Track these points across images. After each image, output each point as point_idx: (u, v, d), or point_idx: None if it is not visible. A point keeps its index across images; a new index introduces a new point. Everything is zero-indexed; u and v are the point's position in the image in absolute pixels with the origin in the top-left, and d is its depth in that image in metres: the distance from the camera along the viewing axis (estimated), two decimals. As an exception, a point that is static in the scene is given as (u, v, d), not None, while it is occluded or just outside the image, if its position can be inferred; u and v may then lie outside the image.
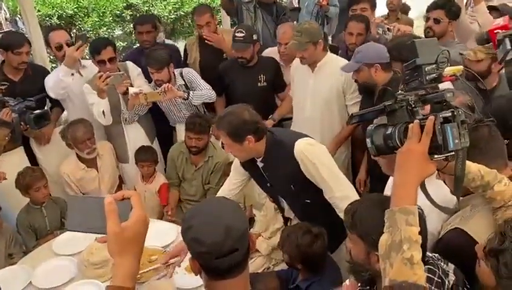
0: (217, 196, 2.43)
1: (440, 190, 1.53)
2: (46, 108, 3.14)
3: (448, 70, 1.16)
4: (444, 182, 1.44)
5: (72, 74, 2.99)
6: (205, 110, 3.41)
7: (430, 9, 3.04)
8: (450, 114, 1.06)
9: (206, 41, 3.43)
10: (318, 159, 2.04)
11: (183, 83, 3.22)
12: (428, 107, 1.15)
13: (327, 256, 2.09)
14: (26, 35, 3.41)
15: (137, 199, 0.98)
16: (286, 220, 2.52)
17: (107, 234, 0.95)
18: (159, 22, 3.96)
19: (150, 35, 3.57)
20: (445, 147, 1.05)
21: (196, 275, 1.16)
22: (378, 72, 2.56)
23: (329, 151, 2.94)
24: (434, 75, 1.13)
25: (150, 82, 3.28)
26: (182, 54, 3.81)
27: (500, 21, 2.09)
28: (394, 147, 1.17)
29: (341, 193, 2.01)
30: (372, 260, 1.24)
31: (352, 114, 1.26)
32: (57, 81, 2.99)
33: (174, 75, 3.18)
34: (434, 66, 1.13)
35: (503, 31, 1.92)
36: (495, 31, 2.02)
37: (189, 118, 3.05)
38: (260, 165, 2.19)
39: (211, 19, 3.45)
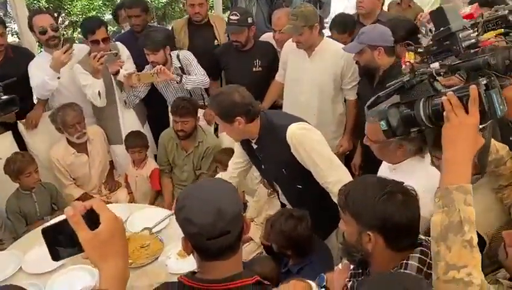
0: (214, 177, 2.45)
1: (431, 176, 1.53)
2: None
3: (488, 34, 1.09)
4: (438, 168, 1.42)
5: (59, 78, 2.89)
6: (203, 94, 3.36)
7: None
8: (487, 80, 1.01)
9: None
10: (310, 144, 2.02)
11: (180, 65, 3.18)
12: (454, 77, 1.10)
13: (317, 240, 2.10)
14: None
15: (100, 205, 0.94)
16: (283, 206, 2.52)
17: None
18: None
19: (138, 19, 3.48)
20: (493, 114, 1.00)
21: (188, 254, 1.16)
22: (381, 55, 2.52)
23: (348, 147, 3.04)
24: (472, 40, 1.06)
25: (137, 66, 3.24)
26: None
27: (467, 9, 2.02)
28: (418, 125, 1.11)
29: (334, 177, 1.99)
30: (364, 240, 1.24)
31: (378, 95, 1.19)
32: (42, 83, 2.89)
33: (171, 57, 3.14)
34: (470, 31, 1.06)
35: (468, 20, 1.86)
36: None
37: (174, 102, 3.02)
38: (254, 146, 2.19)
39: (204, 1, 3.38)
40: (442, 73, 1.09)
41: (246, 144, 2.26)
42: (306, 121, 2.15)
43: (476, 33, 1.12)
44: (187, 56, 3.20)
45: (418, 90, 1.11)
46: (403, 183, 1.28)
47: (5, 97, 2.45)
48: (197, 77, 3.13)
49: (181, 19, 3.81)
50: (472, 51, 1.08)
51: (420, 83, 1.10)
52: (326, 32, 3.35)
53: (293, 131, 2.01)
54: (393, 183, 1.25)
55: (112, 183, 3.30)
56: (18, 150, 2.96)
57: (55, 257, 0.94)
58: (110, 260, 0.92)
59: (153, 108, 3.46)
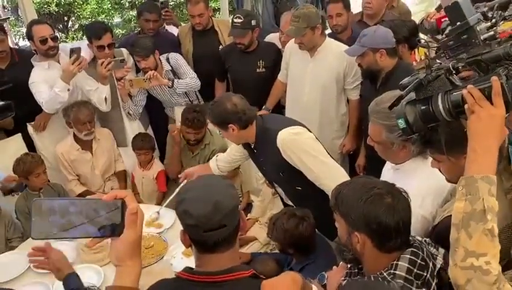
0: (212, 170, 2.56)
1: (433, 177, 1.52)
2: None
3: (506, 24, 1.08)
4: (439, 170, 1.42)
5: (68, 90, 2.91)
6: (198, 97, 3.41)
7: None
8: (506, 71, 1.02)
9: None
10: (300, 148, 2.04)
11: (170, 68, 3.23)
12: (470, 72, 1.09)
13: (320, 239, 2.11)
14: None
15: (133, 199, 0.98)
16: (285, 206, 2.53)
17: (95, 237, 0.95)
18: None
19: (156, 24, 3.53)
20: None
21: (186, 247, 1.21)
22: (383, 57, 2.51)
23: (351, 147, 3.06)
24: (491, 33, 1.06)
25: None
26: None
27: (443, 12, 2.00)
28: (437, 120, 1.11)
29: (329, 179, 2.00)
30: (353, 240, 1.25)
31: (400, 96, 1.19)
32: (54, 97, 2.90)
33: (161, 61, 3.19)
34: (488, 24, 1.06)
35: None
36: (442, 20, 1.93)
37: (186, 113, 3.00)
38: (254, 150, 2.24)
39: (204, 11, 3.40)
40: (460, 67, 1.08)
41: (248, 147, 2.31)
42: (302, 124, 2.18)
43: (494, 25, 1.11)
44: (176, 58, 3.25)
45: (435, 86, 1.11)
46: (394, 184, 1.28)
47: (1, 103, 2.50)
48: (188, 80, 3.18)
49: (185, 25, 3.81)
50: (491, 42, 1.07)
51: (436, 79, 1.10)
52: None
53: (282, 136, 2.05)
54: (382, 185, 1.26)
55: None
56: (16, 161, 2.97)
57: (37, 233, 0.91)
58: (137, 260, 0.98)
59: (156, 113, 3.52)
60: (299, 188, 2.19)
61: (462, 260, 1.02)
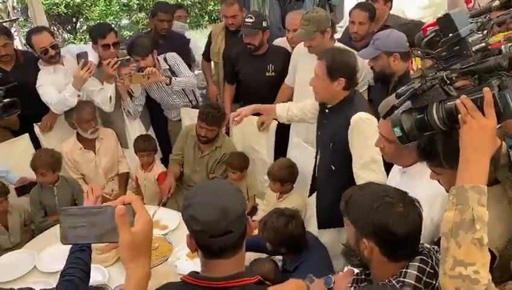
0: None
1: (434, 188, 1.50)
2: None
3: (497, 36, 1.10)
4: (439, 181, 1.41)
5: (79, 96, 2.96)
6: (195, 94, 3.45)
7: None
8: (499, 81, 1.03)
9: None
10: (368, 133, 2.06)
11: (168, 67, 3.27)
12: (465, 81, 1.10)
13: (311, 236, 2.14)
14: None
15: (139, 204, 0.99)
16: (312, 192, 2.55)
17: (108, 242, 0.98)
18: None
19: (169, 23, 3.60)
20: (508, 114, 1.02)
21: (192, 252, 1.20)
22: (396, 61, 2.49)
23: None
24: (483, 44, 1.07)
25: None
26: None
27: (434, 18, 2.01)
28: (432, 129, 1.12)
29: (366, 175, 2.02)
30: (361, 247, 1.24)
31: (394, 105, 1.20)
32: (63, 101, 2.96)
33: (158, 60, 3.23)
34: (480, 35, 1.07)
35: (433, 27, 1.84)
36: (428, 29, 1.93)
37: (203, 108, 3.02)
38: (326, 111, 2.28)
39: (238, 12, 3.44)
40: (454, 77, 1.09)
41: (323, 105, 2.34)
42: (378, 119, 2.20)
43: (485, 36, 1.12)
44: (173, 58, 3.28)
45: (430, 95, 1.12)
46: (407, 193, 1.27)
47: (7, 100, 2.53)
48: (185, 78, 3.23)
49: (219, 24, 3.91)
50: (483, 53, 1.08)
51: (431, 88, 1.11)
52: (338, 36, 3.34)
53: (359, 116, 2.10)
54: (394, 193, 1.25)
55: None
56: (34, 153, 2.96)
57: (66, 239, 0.97)
58: (141, 261, 0.97)
59: (156, 115, 3.55)
60: (333, 167, 2.25)
61: (451, 268, 1.02)
